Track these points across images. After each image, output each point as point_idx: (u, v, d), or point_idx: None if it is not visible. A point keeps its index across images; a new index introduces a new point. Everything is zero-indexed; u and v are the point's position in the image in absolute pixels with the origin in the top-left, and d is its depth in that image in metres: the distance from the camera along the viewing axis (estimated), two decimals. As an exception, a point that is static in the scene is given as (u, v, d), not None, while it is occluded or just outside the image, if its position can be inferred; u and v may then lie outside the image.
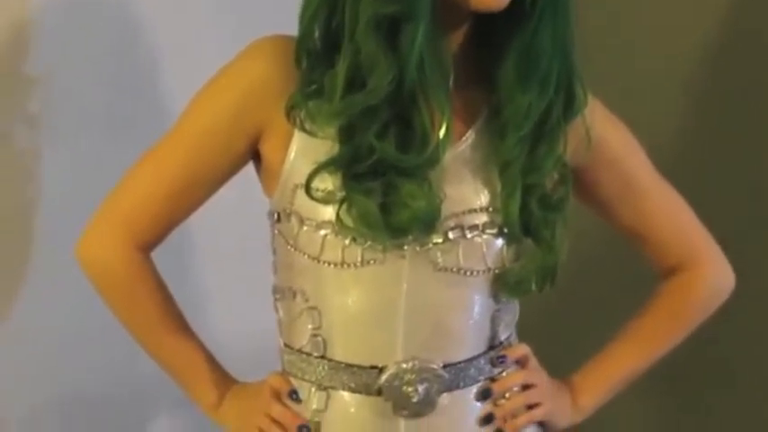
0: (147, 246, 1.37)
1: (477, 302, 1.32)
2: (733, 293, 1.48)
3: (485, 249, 1.29)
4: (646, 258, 1.47)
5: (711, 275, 1.46)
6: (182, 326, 1.41)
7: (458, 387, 1.32)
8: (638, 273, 1.51)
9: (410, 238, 1.26)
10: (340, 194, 1.24)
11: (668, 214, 1.44)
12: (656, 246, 1.45)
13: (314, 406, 1.33)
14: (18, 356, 1.77)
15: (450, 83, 1.25)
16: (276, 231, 1.33)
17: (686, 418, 2.49)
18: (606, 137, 1.36)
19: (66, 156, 1.81)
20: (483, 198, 1.29)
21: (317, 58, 1.25)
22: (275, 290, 1.37)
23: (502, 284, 1.31)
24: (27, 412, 1.79)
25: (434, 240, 1.27)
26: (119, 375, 1.91)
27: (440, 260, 1.28)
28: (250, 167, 1.37)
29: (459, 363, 1.32)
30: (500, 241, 1.29)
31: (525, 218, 1.29)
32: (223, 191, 1.38)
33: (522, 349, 1.39)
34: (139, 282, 1.37)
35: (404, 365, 1.29)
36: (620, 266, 2.02)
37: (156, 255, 1.39)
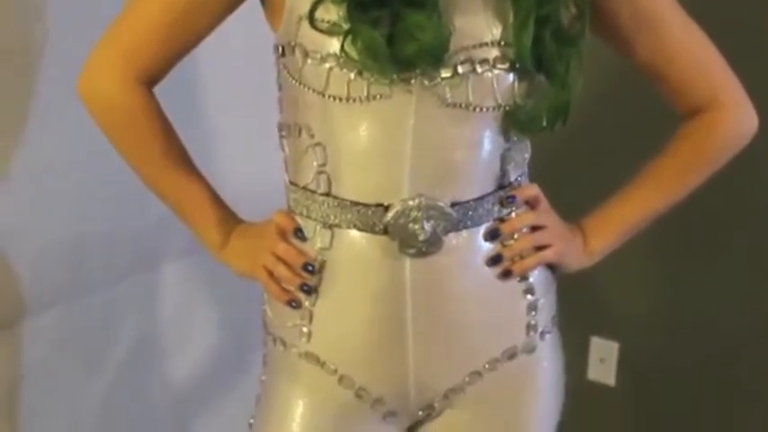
0: (149, 79, 1.34)
1: (486, 140, 1.28)
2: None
3: (495, 85, 1.25)
4: (666, 99, 1.42)
5: (734, 117, 1.41)
6: (186, 163, 1.39)
7: (465, 226, 1.30)
8: (658, 113, 1.46)
9: (417, 71, 1.22)
10: (345, 26, 1.20)
11: (690, 51, 1.38)
12: (676, 84, 1.39)
13: (319, 244, 1.31)
14: (27, 196, 1.76)
15: None
16: (281, 66, 1.30)
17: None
18: None
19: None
20: (495, 31, 1.24)
21: None
22: (281, 127, 1.35)
23: (512, 121, 1.27)
24: (37, 251, 1.79)
25: (443, 75, 1.23)
26: (129, 218, 1.91)
27: (448, 95, 1.24)
28: (255, 3, 1.32)
29: (467, 201, 1.29)
30: (511, 76, 1.25)
31: (538, 51, 1.24)
32: (230, 28, 1.33)
33: (533, 190, 1.36)
34: (141, 115, 1.34)
35: (410, 202, 1.26)
36: (639, 106, 1.97)
37: (161, 93, 1.36)
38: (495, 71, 1.24)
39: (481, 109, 1.25)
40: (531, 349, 1.39)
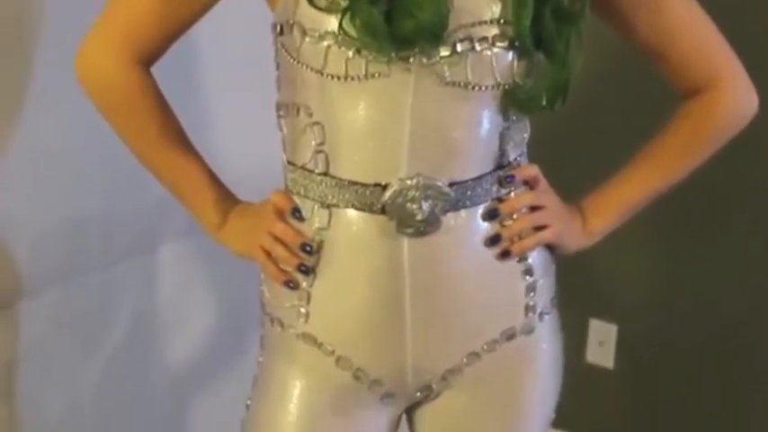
0: (146, 58, 1.34)
1: (485, 119, 1.27)
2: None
3: (494, 63, 1.24)
4: (666, 78, 1.41)
5: (734, 97, 1.40)
6: (183, 143, 1.39)
7: (464, 206, 1.29)
8: (658, 93, 1.45)
9: (416, 50, 1.21)
10: (343, 3, 1.19)
11: (690, 30, 1.37)
12: (675, 63, 1.38)
13: (317, 224, 1.31)
14: (25, 177, 1.75)
15: None
16: (279, 45, 1.29)
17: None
18: None
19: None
20: (494, 9, 1.23)
21: None
22: (279, 106, 1.34)
23: (512, 100, 1.26)
24: (35, 232, 1.79)
25: (441, 53, 1.22)
26: (127, 199, 1.90)
27: (447, 74, 1.23)
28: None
29: (466, 181, 1.28)
30: (510, 55, 1.24)
31: (538, 30, 1.23)
32: (227, 7, 1.33)
33: (532, 170, 1.35)
34: (138, 94, 1.34)
35: (408, 182, 1.26)
36: (639, 85, 1.96)
37: (158, 74, 1.36)
38: (495, 49, 1.23)
39: (480, 88, 1.24)
40: (529, 330, 1.38)
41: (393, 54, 1.20)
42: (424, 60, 1.22)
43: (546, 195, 1.37)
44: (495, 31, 1.23)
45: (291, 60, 1.26)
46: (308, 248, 1.31)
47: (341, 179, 1.28)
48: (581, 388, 1.97)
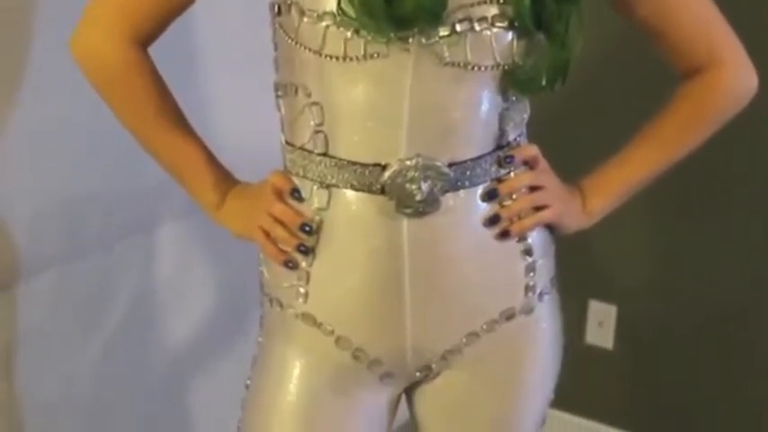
0: (144, 38, 1.33)
1: (485, 99, 1.27)
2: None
3: (494, 43, 1.23)
4: (666, 58, 1.41)
5: (733, 76, 1.40)
6: (181, 124, 1.38)
7: (463, 187, 1.29)
8: (658, 73, 1.45)
9: (415, 30, 1.20)
10: None
11: (690, 9, 1.36)
12: (675, 43, 1.38)
13: (316, 204, 1.30)
14: (24, 157, 1.75)
15: None
16: (277, 25, 1.29)
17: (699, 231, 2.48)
18: None
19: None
20: None
21: None
22: (277, 87, 1.34)
23: (511, 81, 1.26)
24: (34, 212, 1.78)
25: (441, 33, 1.21)
26: (126, 180, 1.90)
27: (446, 54, 1.22)
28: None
29: (465, 161, 1.28)
30: (510, 35, 1.23)
31: (538, 10, 1.22)
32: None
33: (531, 150, 1.35)
34: (135, 74, 1.33)
35: (407, 162, 1.25)
36: (639, 65, 1.96)
37: (156, 54, 1.35)
38: (494, 29, 1.23)
39: (479, 68, 1.24)
40: (529, 310, 1.38)
41: (392, 34, 1.19)
42: (423, 41, 1.21)
43: (545, 175, 1.37)
44: (494, 10, 1.22)
45: (289, 41, 1.26)
46: (307, 228, 1.30)
47: (340, 159, 1.27)
48: (580, 369, 1.97)
